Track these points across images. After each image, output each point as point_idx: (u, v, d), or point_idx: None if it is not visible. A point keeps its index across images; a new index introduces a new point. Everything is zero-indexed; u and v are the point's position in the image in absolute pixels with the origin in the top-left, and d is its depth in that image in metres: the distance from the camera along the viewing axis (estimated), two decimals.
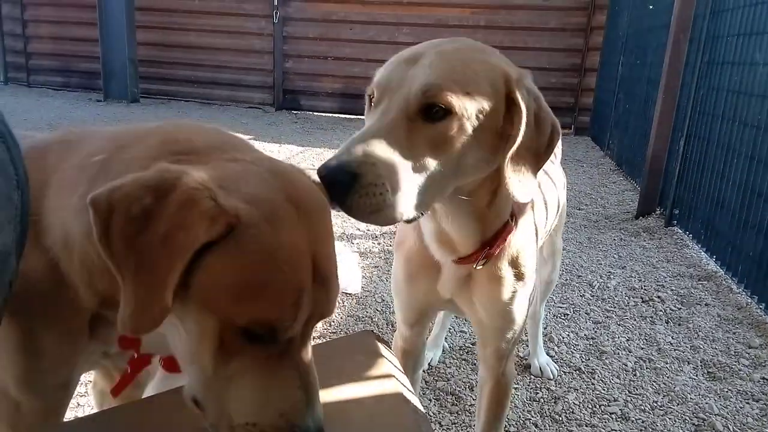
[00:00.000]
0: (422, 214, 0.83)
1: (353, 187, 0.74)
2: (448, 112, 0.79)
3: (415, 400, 0.84)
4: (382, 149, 0.76)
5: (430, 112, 0.79)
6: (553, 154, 1.51)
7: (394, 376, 0.88)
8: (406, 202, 0.78)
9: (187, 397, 0.63)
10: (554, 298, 2.34)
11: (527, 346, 1.92)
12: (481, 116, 0.80)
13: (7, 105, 6.75)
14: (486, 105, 0.80)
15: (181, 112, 7.00)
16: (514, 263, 1.03)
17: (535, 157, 0.86)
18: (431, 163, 0.79)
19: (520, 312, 1.06)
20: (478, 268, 0.99)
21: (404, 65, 0.84)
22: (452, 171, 0.81)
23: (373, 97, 0.86)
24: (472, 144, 0.81)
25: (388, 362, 0.93)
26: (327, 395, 0.81)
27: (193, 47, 7.72)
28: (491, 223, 0.96)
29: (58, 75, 8.31)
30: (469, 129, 0.80)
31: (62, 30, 8.19)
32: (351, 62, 7.24)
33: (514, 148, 0.82)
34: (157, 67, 7.81)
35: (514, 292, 1.03)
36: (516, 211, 1.01)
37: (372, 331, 1.05)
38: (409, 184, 0.77)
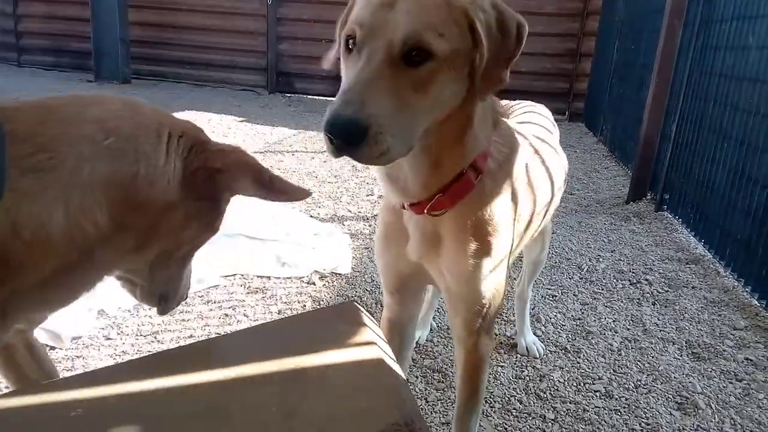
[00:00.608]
0: (411, 149, 0.89)
1: (363, 139, 0.81)
2: (427, 56, 0.85)
3: (396, 367, 0.84)
4: (377, 97, 0.82)
5: (411, 57, 0.84)
6: (548, 135, 1.51)
7: (375, 343, 0.88)
8: (401, 142, 0.85)
9: None
10: (543, 279, 2.35)
11: (514, 325, 1.93)
12: (455, 55, 0.87)
13: None
14: (456, 43, 0.87)
15: (173, 93, 6.93)
16: (482, 229, 1.03)
17: (507, 61, 0.93)
18: (415, 103, 0.86)
19: (487, 283, 1.06)
20: (432, 215, 1.00)
21: (381, 9, 0.86)
22: (431, 107, 0.89)
23: (352, 39, 0.89)
24: (450, 81, 0.89)
25: (371, 331, 0.93)
26: (308, 360, 0.81)
27: (186, 28, 7.63)
28: (448, 168, 0.98)
29: (49, 55, 8.20)
30: (447, 69, 0.87)
31: (54, 9, 8.07)
32: None
33: (482, 68, 0.89)
34: (149, 47, 7.72)
35: (478, 260, 1.03)
36: (484, 171, 1.02)
37: (355, 301, 1.05)
38: (400, 125, 0.84)
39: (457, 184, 0.99)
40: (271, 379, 0.78)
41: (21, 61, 8.32)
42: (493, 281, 1.07)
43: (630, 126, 4.28)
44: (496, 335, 1.91)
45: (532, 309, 2.03)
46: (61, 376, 1.51)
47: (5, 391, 1.42)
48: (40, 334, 1.67)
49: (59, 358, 1.61)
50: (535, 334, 1.91)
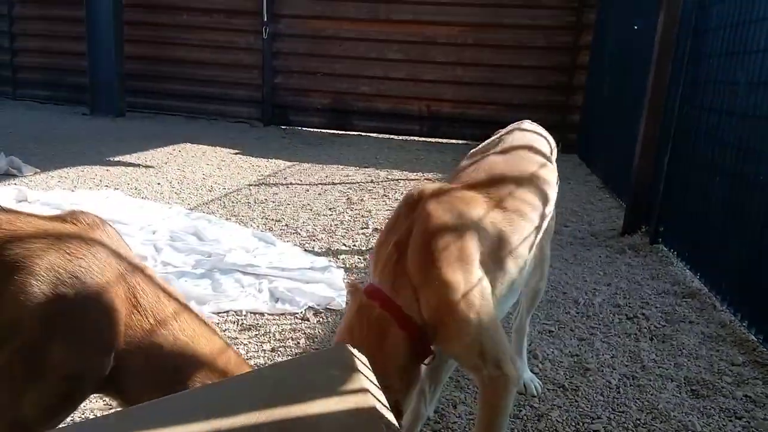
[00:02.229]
0: None
1: None
2: None
3: (389, 415, 0.82)
4: None
5: None
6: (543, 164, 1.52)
7: (368, 390, 0.86)
8: None
9: None
10: (539, 314, 2.33)
11: None
12: None
13: None
14: None
15: (168, 126, 6.97)
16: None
17: None
18: None
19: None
20: None
21: None
22: None
23: None
24: None
25: (363, 376, 0.90)
26: (299, 409, 0.79)
27: (182, 61, 7.73)
28: None
29: (44, 88, 8.27)
30: None
31: (50, 44, 8.17)
32: (340, 78, 7.28)
33: None
34: (145, 81, 7.79)
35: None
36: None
37: (347, 345, 1.03)
38: None
39: None
40: (261, 430, 0.76)
41: (16, 94, 8.38)
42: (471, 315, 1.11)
43: (623, 158, 4.32)
44: None
45: (529, 345, 2.01)
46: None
47: None
48: None
49: None
50: (532, 371, 1.88)
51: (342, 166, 5.21)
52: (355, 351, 0.99)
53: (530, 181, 1.39)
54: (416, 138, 7.14)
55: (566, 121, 6.67)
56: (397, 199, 4.11)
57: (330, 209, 3.80)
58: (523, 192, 1.35)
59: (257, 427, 0.75)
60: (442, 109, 7.14)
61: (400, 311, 1.12)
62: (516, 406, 1.72)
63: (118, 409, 1.09)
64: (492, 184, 1.31)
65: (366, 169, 5.15)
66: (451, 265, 1.12)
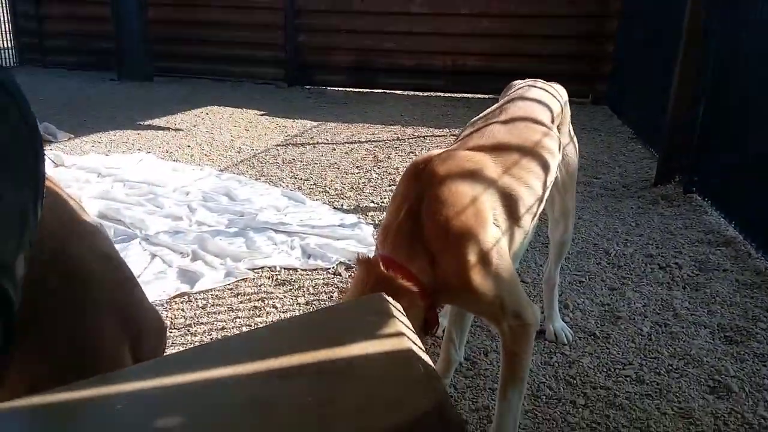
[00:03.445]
0: None
1: None
2: None
3: (425, 357, 0.85)
4: None
5: None
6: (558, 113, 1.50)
7: (404, 334, 0.89)
8: None
9: None
10: (569, 265, 2.34)
11: (542, 311, 1.92)
12: None
13: (23, 85, 6.80)
14: None
15: (194, 89, 7.01)
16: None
17: None
18: None
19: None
20: None
21: None
22: None
23: None
24: None
25: (399, 321, 0.94)
26: (338, 352, 0.83)
27: (205, 23, 7.69)
28: None
29: (72, 55, 8.35)
30: None
31: (75, 9, 8.21)
32: (363, 34, 7.15)
33: None
34: (170, 44, 7.80)
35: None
36: None
37: (383, 293, 1.06)
38: None
39: None
40: (304, 371, 0.80)
41: (46, 62, 8.50)
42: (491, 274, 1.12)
43: (656, 107, 4.19)
44: None
45: (560, 295, 2.02)
46: None
47: None
48: None
49: None
50: (562, 320, 1.90)
51: (368, 125, 5.19)
52: (389, 299, 1.02)
53: (533, 149, 1.37)
54: (442, 93, 7.02)
55: (597, 71, 6.46)
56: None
57: (357, 167, 3.81)
58: (526, 159, 1.34)
59: (302, 367, 0.78)
60: (467, 63, 6.98)
61: (420, 282, 1.12)
62: (546, 354, 1.75)
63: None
64: (496, 148, 1.31)
65: (392, 127, 5.11)
66: (468, 226, 1.13)
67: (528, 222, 1.29)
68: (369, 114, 5.72)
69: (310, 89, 7.35)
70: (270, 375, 0.77)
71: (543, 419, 1.47)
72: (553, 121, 1.53)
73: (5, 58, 9.55)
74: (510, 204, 1.23)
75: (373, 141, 4.59)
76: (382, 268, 1.12)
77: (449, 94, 6.98)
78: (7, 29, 9.51)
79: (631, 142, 4.59)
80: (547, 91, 1.62)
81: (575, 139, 1.72)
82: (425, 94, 7.04)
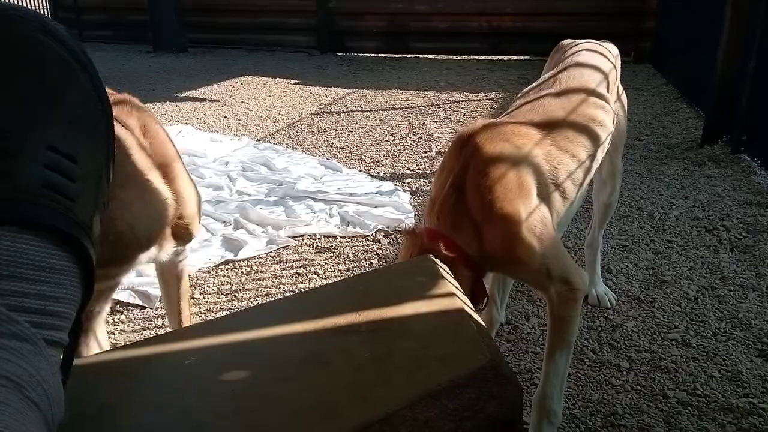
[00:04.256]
0: None
1: None
2: None
3: (476, 316, 0.86)
4: None
5: None
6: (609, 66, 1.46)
7: (455, 294, 0.90)
8: None
9: None
10: (612, 230, 2.30)
11: None
12: None
13: None
14: None
15: (228, 59, 7.04)
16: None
17: None
18: None
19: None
20: None
21: None
22: None
23: None
24: None
25: (449, 282, 0.95)
26: (389, 312, 0.85)
27: None
28: None
29: (108, 29, 8.47)
30: None
31: None
32: None
33: None
34: (202, 15, 7.82)
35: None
36: None
37: (431, 255, 1.07)
38: None
39: None
40: (359, 328, 0.82)
41: (83, 36, 8.65)
42: (535, 243, 1.13)
43: (703, 65, 4.02)
44: None
45: (603, 260, 2.00)
46: (154, 332, 1.63)
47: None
48: (131, 295, 1.80)
49: (150, 317, 1.73)
50: (606, 284, 1.88)
51: (401, 91, 5.14)
52: (437, 260, 1.03)
53: (584, 122, 1.34)
54: (477, 57, 6.87)
55: (639, 28, 6.20)
56: (459, 122, 4.05)
57: (392, 134, 3.79)
58: (575, 132, 1.31)
59: (356, 325, 0.80)
60: (503, 24, 6.79)
61: (465, 253, 1.13)
62: (590, 318, 1.74)
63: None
64: (546, 121, 1.29)
65: (426, 92, 5.05)
66: (511, 197, 1.13)
67: (573, 193, 1.28)
68: (402, 80, 5.65)
69: (342, 56, 7.29)
70: (325, 332, 0.79)
71: (587, 382, 1.47)
72: (608, 89, 1.50)
73: None
74: (555, 175, 1.22)
75: (407, 107, 4.55)
76: (426, 239, 1.13)
77: (484, 57, 6.83)
78: (45, 4, 9.69)
79: (675, 102, 4.43)
80: (600, 53, 1.57)
81: (624, 96, 1.67)
82: (459, 57, 6.90)
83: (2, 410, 0.41)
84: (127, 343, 1.60)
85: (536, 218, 1.15)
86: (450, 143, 1.23)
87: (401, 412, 0.62)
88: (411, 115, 4.27)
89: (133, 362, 0.68)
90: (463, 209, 1.14)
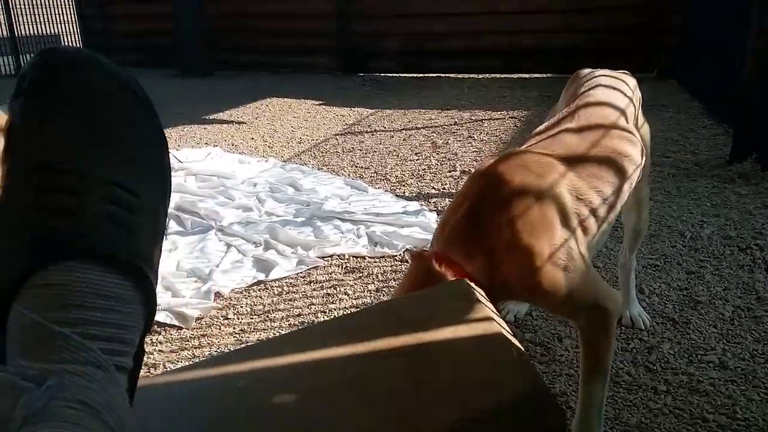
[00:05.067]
0: None
1: None
2: None
3: (515, 341, 0.87)
4: None
5: None
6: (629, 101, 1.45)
7: (493, 318, 0.90)
8: None
9: None
10: (643, 249, 2.28)
11: None
12: None
13: None
14: None
15: (253, 82, 7.18)
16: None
17: None
18: None
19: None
20: None
21: None
22: None
23: None
24: None
25: (486, 307, 0.95)
26: (426, 336, 0.85)
27: (259, 16, 7.85)
28: None
29: (136, 53, 8.73)
30: None
31: (137, 8, 8.56)
32: (415, 18, 7.12)
33: None
34: (227, 39, 8.02)
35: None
36: None
37: (465, 279, 1.07)
38: None
39: None
40: (398, 352, 0.83)
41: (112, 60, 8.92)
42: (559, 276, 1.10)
43: (729, 79, 3.98)
44: None
45: (635, 280, 1.98)
46: (191, 353, 1.66)
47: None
48: (167, 316, 1.84)
49: (187, 337, 1.76)
50: (639, 305, 1.86)
51: (424, 110, 5.18)
52: (472, 284, 1.04)
53: (607, 155, 1.31)
54: (497, 75, 6.91)
55: (661, 42, 6.18)
56: (482, 140, 4.06)
57: (416, 154, 3.82)
58: (598, 164, 1.28)
59: (394, 349, 0.81)
60: (523, 42, 6.83)
61: (475, 281, 1.09)
62: (624, 340, 1.72)
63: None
64: (567, 154, 1.26)
65: (448, 112, 5.09)
66: (533, 230, 1.10)
67: (595, 227, 1.26)
68: (424, 99, 5.70)
69: (364, 77, 7.39)
70: (365, 357, 0.81)
71: (623, 405, 1.45)
72: (629, 120, 1.48)
73: None
74: (578, 208, 1.19)
75: (430, 127, 4.59)
76: (434, 264, 1.10)
77: (505, 75, 6.86)
78: (76, 29, 10.03)
79: (701, 118, 4.38)
80: (617, 88, 1.55)
81: (646, 126, 1.66)
82: (480, 76, 6.94)
83: (89, 429, 0.43)
84: (166, 363, 1.63)
85: (559, 249, 1.12)
86: (474, 167, 1.23)
87: None
88: (434, 135, 4.30)
89: (185, 385, 0.70)
90: (477, 237, 1.11)
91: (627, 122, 1.47)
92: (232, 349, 1.68)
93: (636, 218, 1.70)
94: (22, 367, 0.45)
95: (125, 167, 0.58)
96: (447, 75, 7.13)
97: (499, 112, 4.95)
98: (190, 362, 1.57)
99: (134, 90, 0.61)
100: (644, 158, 1.57)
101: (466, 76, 7.01)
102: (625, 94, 1.55)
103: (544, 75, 6.69)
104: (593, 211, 1.23)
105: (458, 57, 7.07)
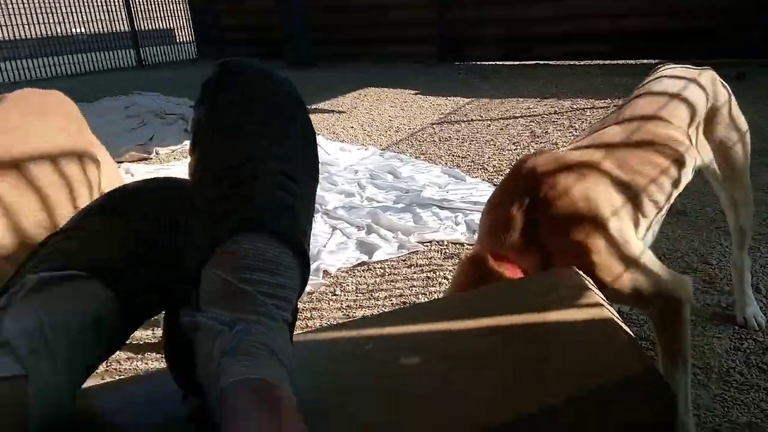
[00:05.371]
0: None
1: None
2: None
3: (626, 327, 0.90)
4: None
5: None
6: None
7: (603, 304, 0.94)
8: None
9: None
10: (759, 246, 2.15)
11: (730, 295, 1.82)
12: None
13: (203, 78, 7.71)
14: None
15: (354, 72, 7.39)
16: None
17: None
18: None
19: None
20: None
21: None
22: None
23: None
24: None
25: (595, 293, 0.98)
26: (540, 317, 0.90)
27: (358, 7, 8.03)
28: None
29: (243, 46, 9.25)
30: None
31: (245, 3, 9.06)
32: (515, 4, 6.97)
33: None
34: (329, 31, 8.29)
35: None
36: None
37: (573, 267, 1.10)
38: None
39: None
40: (516, 331, 0.88)
41: (220, 54, 9.52)
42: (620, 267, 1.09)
43: None
44: (708, 305, 1.82)
45: (752, 279, 1.88)
46: (303, 323, 1.80)
47: None
48: None
49: (300, 309, 1.92)
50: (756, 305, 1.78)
51: (522, 99, 5.10)
52: (581, 272, 1.07)
53: (651, 151, 1.27)
54: (600, 62, 6.62)
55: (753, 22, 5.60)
56: (584, 129, 3.94)
57: (514, 144, 3.79)
58: (641, 159, 1.26)
59: (512, 327, 0.87)
60: (629, 26, 6.47)
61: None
62: (737, 339, 1.66)
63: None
64: (610, 148, 1.25)
65: (547, 100, 4.97)
66: (587, 223, 1.10)
67: (652, 211, 1.24)
68: (523, 87, 5.61)
69: (460, 65, 7.36)
70: (480, 332, 0.87)
71: (733, 404, 1.41)
72: (693, 119, 1.41)
73: (187, 52, 10.84)
74: (629, 199, 1.20)
75: (529, 116, 4.52)
76: (491, 261, 1.11)
77: (610, 62, 6.56)
78: (190, 25, 10.77)
79: None
80: (687, 82, 1.47)
81: (744, 129, 1.56)
82: (583, 62, 6.69)
83: (269, 365, 0.53)
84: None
85: (616, 243, 1.12)
86: (513, 165, 1.24)
87: (554, 412, 0.68)
88: (533, 124, 4.24)
89: (319, 345, 0.80)
90: (529, 233, 1.12)
91: (693, 117, 1.42)
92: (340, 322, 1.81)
93: (735, 216, 1.65)
94: (217, 314, 0.57)
95: (289, 159, 0.68)
96: (547, 62, 6.94)
97: (602, 101, 4.77)
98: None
99: (295, 96, 0.71)
100: (737, 157, 1.51)
101: (568, 63, 6.78)
102: (699, 88, 1.47)
103: (651, 60, 6.33)
104: (643, 201, 1.22)
105: (560, 43, 6.84)
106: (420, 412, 0.65)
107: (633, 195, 1.21)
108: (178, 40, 11.32)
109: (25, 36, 9.30)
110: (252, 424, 0.48)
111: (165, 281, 0.65)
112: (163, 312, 0.68)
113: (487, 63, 7.30)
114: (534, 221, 1.14)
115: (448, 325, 0.90)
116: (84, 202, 1.20)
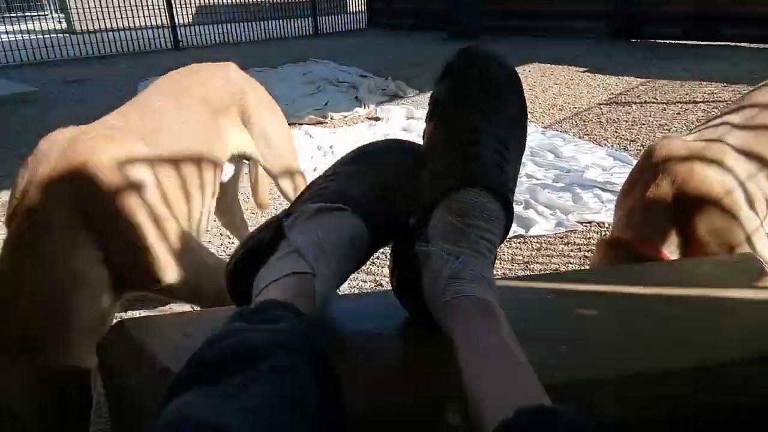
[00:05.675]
0: None
1: None
2: None
3: None
4: None
5: None
6: None
7: None
8: None
9: None
10: None
11: None
12: None
13: (371, 45, 8.09)
14: None
15: (516, 46, 7.28)
16: None
17: None
18: None
19: None
20: None
21: None
22: None
23: None
24: None
25: None
26: (717, 292, 0.95)
27: None
28: None
29: (410, 17, 9.50)
30: None
31: None
32: None
33: None
34: (496, 3, 8.19)
35: None
36: None
37: (751, 253, 1.12)
38: None
39: None
40: (689, 301, 0.94)
41: (389, 24, 9.87)
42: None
43: None
44: None
45: None
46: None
47: None
48: None
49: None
50: None
51: (704, 82, 4.70)
52: (758, 257, 1.08)
53: None
54: None
55: None
56: None
57: (691, 131, 3.56)
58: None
59: (687, 298, 0.93)
60: None
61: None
62: None
63: None
64: (741, 129, 1.24)
65: (735, 86, 4.52)
66: (724, 210, 1.13)
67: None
68: (707, 70, 5.14)
69: (636, 42, 6.89)
70: (657, 299, 0.95)
71: None
72: None
73: (359, 21, 11.37)
74: (755, 189, 1.19)
75: (711, 101, 4.17)
76: (641, 248, 1.18)
77: None
78: None
79: None
80: None
81: None
82: None
83: (485, 289, 0.69)
84: None
85: (755, 233, 1.14)
86: (645, 150, 1.25)
87: (726, 366, 0.75)
88: (716, 111, 3.91)
89: (502, 290, 0.95)
90: (668, 220, 1.17)
91: None
92: None
93: None
94: (445, 248, 0.73)
95: (504, 129, 0.81)
96: (738, 44, 6.23)
97: None
98: None
99: (517, 78, 0.84)
100: None
101: (760, 46, 6.03)
102: None
103: None
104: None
105: (757, 22, 6.09)
106: (599, 353, 0.77)
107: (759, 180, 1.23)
108: (349, 10, 11.93)
109: (223, 2, 10.47)
110: (481, 326, 0.64)
111: (400, 218, 0.83)
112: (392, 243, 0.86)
113: (667, 41, 6.74)
114: (672, 206, 1.19)
115: (623, 289, 0.99)
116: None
